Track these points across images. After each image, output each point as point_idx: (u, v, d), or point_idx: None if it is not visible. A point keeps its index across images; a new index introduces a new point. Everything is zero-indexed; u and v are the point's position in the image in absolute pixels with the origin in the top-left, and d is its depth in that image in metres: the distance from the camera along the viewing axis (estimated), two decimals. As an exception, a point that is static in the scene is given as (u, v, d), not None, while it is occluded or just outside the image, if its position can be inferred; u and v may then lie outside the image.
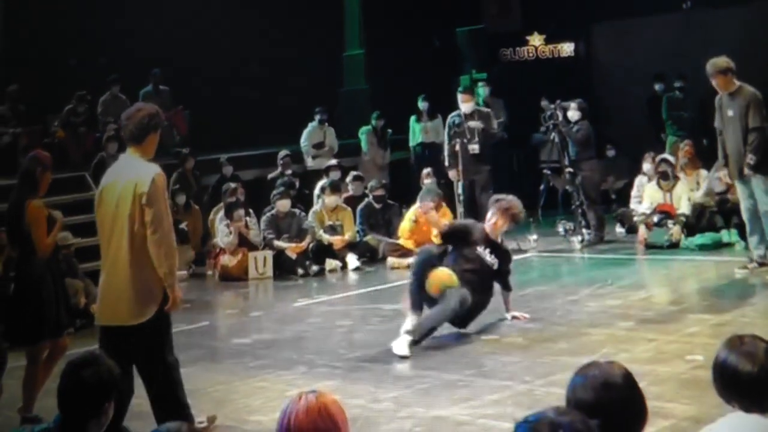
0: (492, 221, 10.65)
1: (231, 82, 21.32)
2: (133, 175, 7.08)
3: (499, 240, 10.83)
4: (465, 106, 15.43)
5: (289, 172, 17.43)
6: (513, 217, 10.74)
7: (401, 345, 9.56)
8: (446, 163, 15.58)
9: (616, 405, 3.59)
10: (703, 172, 15.21)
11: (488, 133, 15.34)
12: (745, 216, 12.30)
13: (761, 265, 12.17)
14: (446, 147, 15.61)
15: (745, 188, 12.10)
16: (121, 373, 6.91)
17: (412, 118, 19.18)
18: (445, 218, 14.93)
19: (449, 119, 15.67)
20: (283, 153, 17.77)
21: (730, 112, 11.93)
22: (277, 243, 15.08)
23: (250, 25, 21.09)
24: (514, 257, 14.45)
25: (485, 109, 15.82)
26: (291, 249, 15.00)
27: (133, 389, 7.16)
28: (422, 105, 19.07)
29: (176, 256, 7.23)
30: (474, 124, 15.20)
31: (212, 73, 20.98)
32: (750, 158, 11.79)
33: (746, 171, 11.88)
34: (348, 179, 16.81)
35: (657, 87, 19.03)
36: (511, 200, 10.89)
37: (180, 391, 7.19)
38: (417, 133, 19.13)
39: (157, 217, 6.95)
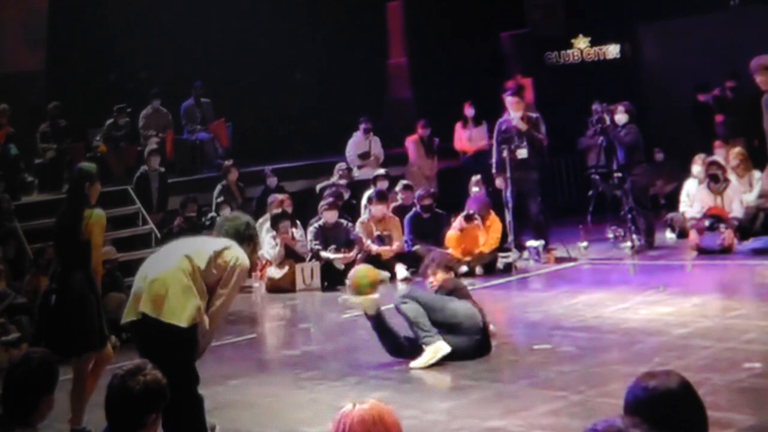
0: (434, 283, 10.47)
1: (274, 93, 21.35)
2: (227, 242, 7.23)
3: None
4: (514, 110, 15.29)
5: (342, 182, 17.42)
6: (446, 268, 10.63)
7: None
8: (493, 170, 15.47)
9: (676, 416, 3.53)
10: (756, 174, 15.00)
11: (536, 138, 15.18)
12: None
13: None
14: (494, 153, 15.49)
15: None
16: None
17: (458, 125, 19.11)
18: (493, 227, 14.86)
19: (497, 124, 15.55)
20: (342, 165, 17.77)
21: None
22: (325, 254, 15.02)
23: (292, 36, 21.10)
24: (565, 265, 14.52)
25: (534, 114, 15.66)
26: (339, 260, 14.93)
27: None
28: (468, 111, 18.99)
29: (215, 334, 7.41)
30: (522, 125, 15.05)
31: (254, 84, 21.03)
32: None
33: None
34: (398, 188, 16.74)
35: (701, 98, 18.77)
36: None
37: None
38: (464, 139, 19.06)
39: (228, 298, 7.13)
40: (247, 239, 7.41)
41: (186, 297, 6.93)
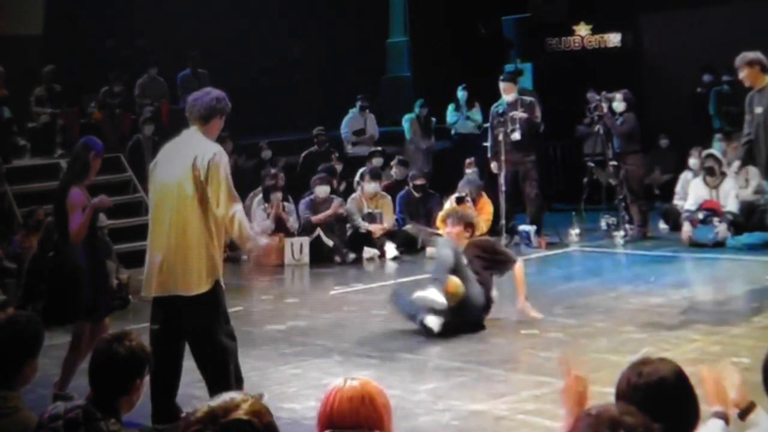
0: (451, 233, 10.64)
1: (271, 67, 21.22)
2: (195, 149, 7.26)
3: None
4: (507, 95, 15.22)
5: (324, 148, 17.47)
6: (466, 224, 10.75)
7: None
8: (489, 154, 15.40)
9: (668, 403, 3.51)
10: (753, 170, 14.89)
11: (532, 123, 15.12)
12: None
13: None
14: (490, 137, 15.43)
15: None
16: (170, 347, 7.26)
17: (450, 107, 19.00)
18: (484, 210, 14.76)
19: (492, 109, 15.49)
20: (317, 129, 17.75)
21: (758, 109, 11.48)
22: (316, 218, 14.95)
23: (292, 10, 20.98)
24: (556, 251, 14.45)
25: (528, 98, 15.59)
26: (327, 215, 14.89)
27: (181, 366, 7.42)
28: (461, 95, 18.91)
29: (243, 225, 7.33)
30: (518, 114, 14.99)
31: (252, 57, 20.88)
32: None
33: None
34: (393, 162, 16.69)
35: (705, 78, 18.72)
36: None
37: (227, 374, 7.30)
38: (455, 121, 18.94)
39: (221, 191, 7.13)
40: (219, 112, 7.49)
41: (199, 262, 7.14)
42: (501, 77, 15.80)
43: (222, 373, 7.23)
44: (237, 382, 7.34)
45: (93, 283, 8.38)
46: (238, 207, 7.26)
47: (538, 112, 15.39)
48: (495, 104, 15.48)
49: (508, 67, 19.31)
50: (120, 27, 19.92)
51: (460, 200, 14.49)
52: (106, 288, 8.77)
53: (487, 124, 16.09)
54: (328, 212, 15.05)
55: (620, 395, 3.58)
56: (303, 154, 17.67)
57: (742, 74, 11.53)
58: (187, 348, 7.47)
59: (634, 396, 3.48)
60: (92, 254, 8.43)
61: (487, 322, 10.22)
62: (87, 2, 19.27)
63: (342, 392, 3.55)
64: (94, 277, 8.41)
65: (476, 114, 18.75)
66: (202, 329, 7.26)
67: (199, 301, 7.18)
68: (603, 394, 3.66)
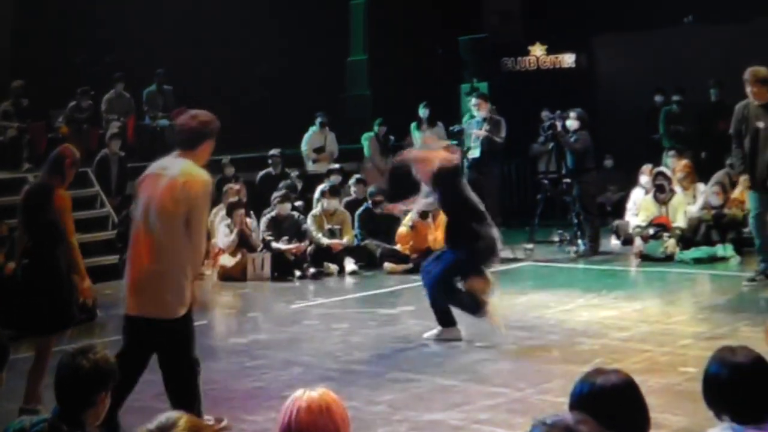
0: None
1: (234, 84, 21.33)
2: (182, 172, 6.99)
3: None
4: (479, 111, 15.53)
5: (278, 171, 17.60)
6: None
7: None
8: None
9: (619, 412, 3.60)
10: (701, 186, 15.32)
11: (492, 140, 15.41)
12: (756, 227, 12.30)
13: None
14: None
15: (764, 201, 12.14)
16: (134, 364, 7.04)
17: (413, 125, 19.21)
18: (443, 225, 14.97)
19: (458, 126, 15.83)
20: (272, 151, 17.87)
21: (760, 124, 11.86)
22: (276, 245, 15.08)
23: (254, 28, 21.08)
24: (510, 266, 14.60)
25: (497, 117, 15.88)
26: (290, 251, 15.04)
27: (136, 383, 7.21)
28: (423, 112, 19.04)
29: (199, 263, 7.27)
30: (478, 132, 15.29)
31: (216, 74, 21.00)
32: None
33: None
34: (351, 182, 16.89)
35: (657, 99, 19.05)
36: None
37: (195, 394, 7.15)
38: (417, 140, 19.10)
39: (197, 221, 6.94)
40: (208, 136, 7.20)
41: (172, 285, 6.91)
42: (474, 94, 16.10)
43: (191, 390, 7.07)
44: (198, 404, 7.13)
45: (69, 291, 8.38)
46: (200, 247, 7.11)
47: (503, 132, 15.63)
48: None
49: (465, 87, 19.56)
50: (88, 43, 19.98)
51: (423, 215, 14.73)
52: (73, 300, 8.69)
53: (454, 141, 16.34)
54: (293, 248, 15.17)
55: (574, 404, 3.65)
56: (259, 176, 17.77)
57: (753, 89, 11.79)
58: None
59: (588, 405, 3.53)
60: (64, 262, 8.36)
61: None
62: (55, 17, 19.34)
63: (300, 402, 3.57)
64: (69, 286, 8.40)
65: (438, 132, 18.93)
66: (176, 344, 7.05)
67: (174, 324, 6.94)
68: (556, 404, 3.85)
